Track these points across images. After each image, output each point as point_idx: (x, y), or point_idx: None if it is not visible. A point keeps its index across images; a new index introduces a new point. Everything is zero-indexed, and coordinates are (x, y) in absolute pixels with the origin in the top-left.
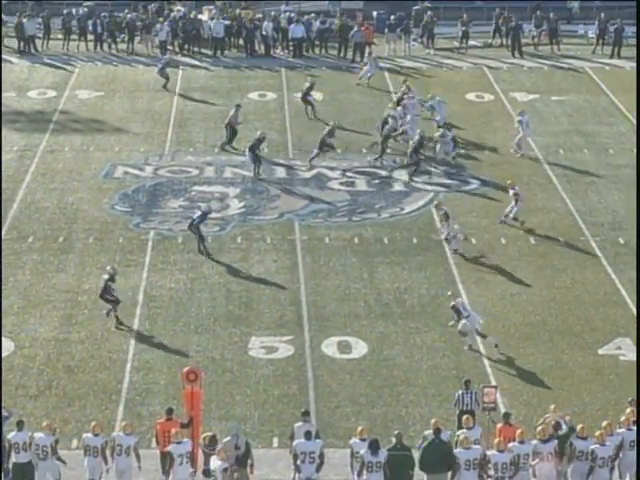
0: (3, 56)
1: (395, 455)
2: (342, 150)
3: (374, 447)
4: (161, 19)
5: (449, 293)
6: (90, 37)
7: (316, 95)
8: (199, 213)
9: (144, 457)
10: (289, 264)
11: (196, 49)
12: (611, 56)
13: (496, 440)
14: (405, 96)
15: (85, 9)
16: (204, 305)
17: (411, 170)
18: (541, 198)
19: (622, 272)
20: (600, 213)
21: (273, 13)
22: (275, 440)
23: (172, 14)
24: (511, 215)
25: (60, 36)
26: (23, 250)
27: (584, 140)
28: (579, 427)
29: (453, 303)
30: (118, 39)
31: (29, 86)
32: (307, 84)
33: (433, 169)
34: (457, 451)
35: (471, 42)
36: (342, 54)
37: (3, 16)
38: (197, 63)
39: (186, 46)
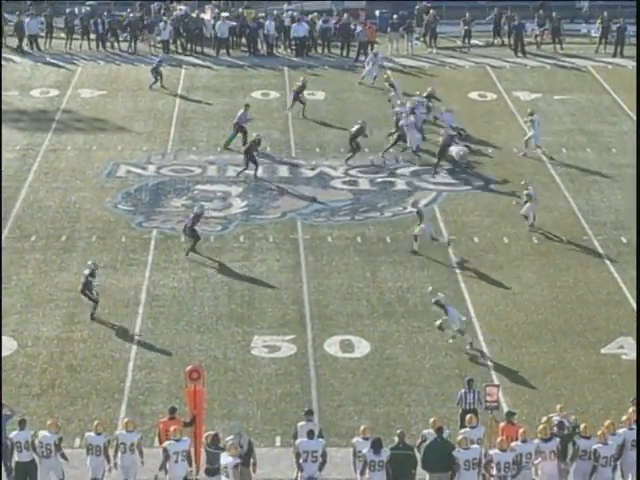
0: (6, 55)
1: (397, 454)
2: (344, 149)
3: (376, 446)
4: (165, 18)
5: (429, 289)
6: (93, 36)
7: (318, 94)
8: (191, 215)
9: (146, 456)
10: (292, 263)
11: (199, 48)
12: (614, 55)
13: (499, 439)
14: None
15: (88, 8)
16: (206, 304)
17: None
18: (544, 197)
19: (625, 271)
20: (603, 212)
21: (275, 12)
22: (278, 439)
23: (174, 13)
24: (530, 214)
25: (63, 35)
26: (26, 249)
27: (587, 139)
28: (582, 426)
29: (436, 299)
30: (120, 38)
31: (32, 85)
32: (299, 83)
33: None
34: (456, 451)
35: (474, 41)
36: (345, 53)
37: (5, 15)
38: (200, 62)
39: (189, 45)
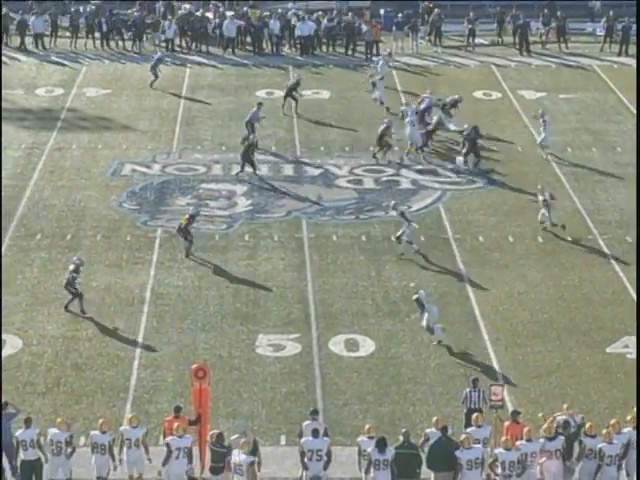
0: (11, 54)
1: (402, 453)
2: (349, 148)
3: (381, 445)
4: (169, 17)
5: (411, 284)
6: (97, 35)
7: (323, 93)
8: (187, 216)
9: (151, 454)
10: (296, 262)
11: (204, 47)
12: (619, 54)
13: (503, 438)
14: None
15: (92, 7)
16: (211, 303)
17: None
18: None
19: (630, 270)
20: (608, 211)
21: (280, 11)
22: (282, 438)
23: (179, 12)
24: (547, 222)
25: (68, 34)
26: (31, 247)
27: (592, 138)
28: (588, 425)
29: (416, 296)
30: (125, 37)
31: (37, 84)
32: (293, 80)
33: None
34: (458, 452)
35: (479, 40)
36: (350, 52)
37: (10, 14)
38: (205, 61)
39: (194, 44)
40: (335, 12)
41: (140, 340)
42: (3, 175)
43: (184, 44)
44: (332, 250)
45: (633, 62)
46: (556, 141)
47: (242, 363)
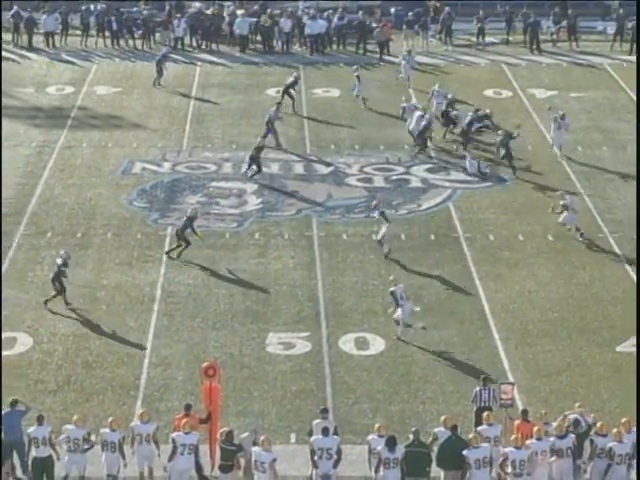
0: (22, 52)
1: (412, 452)
2: (359, 146)
3: (391, 443)
4: (178, 15)
5: (390, 278)
6: (108, 33)
7: (333, 91)
8: (184, 218)
9: (162, 452)
10: (307, 260)
11: (214, 46)
12: (629, 53)
13: (513, 437)
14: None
15: (103, 5)
16: (222, 301)
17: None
18: (559, 195)
19: None
20: (618, 210)
21: (290, 9)
22: (293, 436)
23: (189, 10)
24: (567, 222)
25: (78, 32)
26: (42, 245)
27: (603, 137)
28: (599, 424)
29: (392, 289)
30: (135, 35)
31: (47, 82)
32: (291, 78)
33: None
34: (466, 451)
35: (490, 39)
36: (361, 51)
37: (21, 12)
38: (215, 59)
39: (204, 43)
40: (340, 10)
41: (150, 338)
42: (14, 173)
43: (194, 42)
44: (342, 248)
45: None
46: (567, 139)
47: (252, 361)
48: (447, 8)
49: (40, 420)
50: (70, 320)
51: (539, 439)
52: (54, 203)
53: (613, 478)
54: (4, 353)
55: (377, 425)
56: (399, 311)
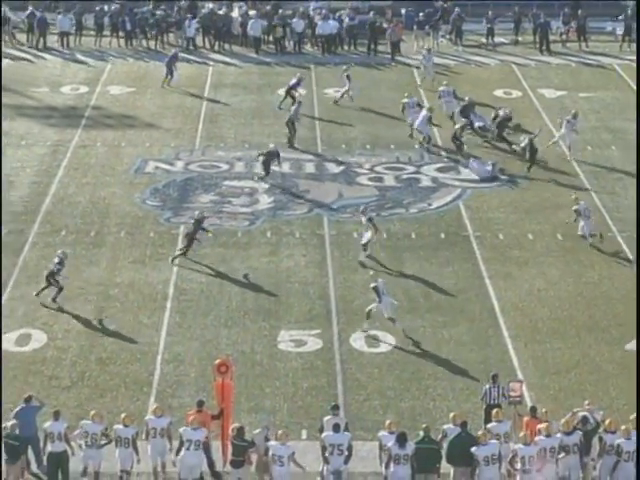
0: (36, 52)
1: (422, 448)
2: (370, 146)
3: (402, 440)
4: (189, 15)
5: (371, 273)
6: (122, 33)
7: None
8: (192, 222)
9: (173, 448)
10: (318, 258)
11: (227, 46)
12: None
13: (522, 433)
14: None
15: (117, 6)
16: (234, 299)
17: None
18: (568, 194)
19: None
20: (627, 209)
21: (301, 9)
22: (304, 432)
23: (202, 11)
24: (586, 232)
25: (92, 32)
26: (56, 243)
27: (612, 137)
28: (608, 421)
29: (374, 284)
30: (148, 35)
31: (62, 82)
32: (294, 79)
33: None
34: (474, 448)
35: (499, 39)
36: (372, 51)
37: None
38: (227, 59)
39: (216, 43)
40: (348, 10)
41: (163, 335)
42: (29, 172)
43: (207, 43)
44: (353, 247)
45: None
46: (576, 139)
47: (264, 358)
48: (457, 9)
49: (56, 415)
50: (84, 317)
51: (547, 436)
52: (68, 202)
53: (621, 475)
54: (19, 350)
55: (388, 422)
56: (375, 305)
